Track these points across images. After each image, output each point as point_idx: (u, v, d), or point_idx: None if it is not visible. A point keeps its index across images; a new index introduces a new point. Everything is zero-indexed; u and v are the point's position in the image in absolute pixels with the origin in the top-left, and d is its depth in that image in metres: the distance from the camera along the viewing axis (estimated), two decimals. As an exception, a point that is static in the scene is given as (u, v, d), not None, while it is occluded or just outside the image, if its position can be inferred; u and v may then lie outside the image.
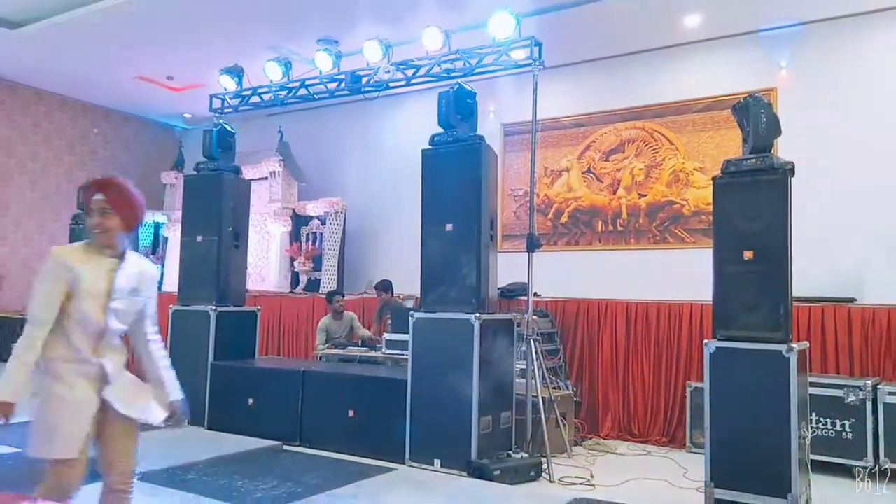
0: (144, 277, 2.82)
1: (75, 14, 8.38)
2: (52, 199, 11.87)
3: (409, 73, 6.41)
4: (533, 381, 5.39)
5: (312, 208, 10.47)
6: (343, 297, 7.97)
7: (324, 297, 8.30)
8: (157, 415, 2.78)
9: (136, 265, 2.79)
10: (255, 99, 7.27)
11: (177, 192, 11.51)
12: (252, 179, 9.32)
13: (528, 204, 6.18)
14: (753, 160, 4.19)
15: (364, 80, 6.62)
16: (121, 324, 2.73)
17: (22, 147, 11.54)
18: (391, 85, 6.56)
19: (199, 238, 6.84)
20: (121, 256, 2.74)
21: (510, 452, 5.20)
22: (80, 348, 2.62)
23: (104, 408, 2.67)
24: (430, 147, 5.57)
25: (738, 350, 4.13)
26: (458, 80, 5.77)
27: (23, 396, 2.53)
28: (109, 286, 2.66)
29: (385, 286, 7.98)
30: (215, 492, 4.40)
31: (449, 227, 5.35)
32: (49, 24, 8.68)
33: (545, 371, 5.76)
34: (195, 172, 7.14)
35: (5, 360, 2.59)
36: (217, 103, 7.43)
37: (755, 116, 4.22)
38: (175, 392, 2.85)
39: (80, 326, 2.62)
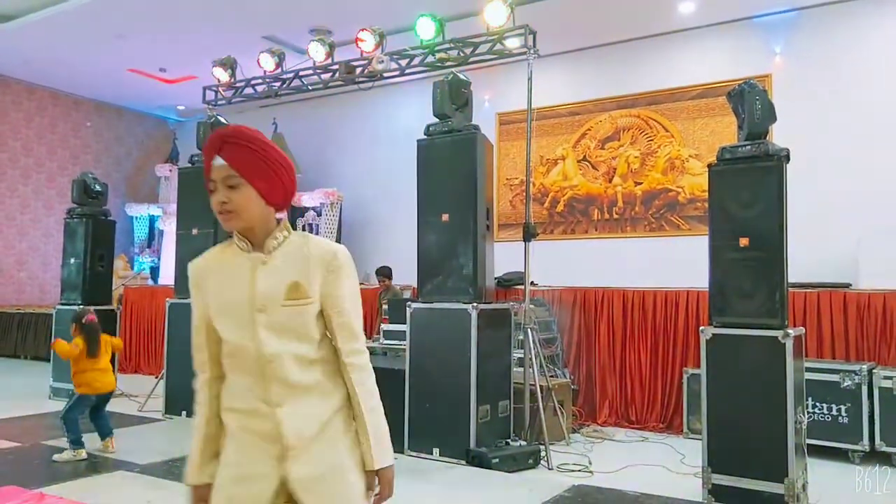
0: (310, 265, 1.71)
1: (66, 6, 8.32)
2: (45, 193, 11.83)
3: (404, 62, 6.38)
4: (531, 369, 5.41)
5: (308, 199, 10.46)
6: None
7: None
8: None
9: (292, 252, 1.73)
10: (249, 90, 7.24)
11: (171, 185, 11.49)
12: (247, 171, 9.28)
13: (524, 193, 6.17)
14: (749, 147, 4.18)
15: (358, 70, 6.59)
16: (288, 344, 1.69)
17: (14, 142, 11.48)
18: (385, 75, 6.54)
19: (195, 231, 6.81)
20: (266, 246, 1.73)
21: (509, 440, 5.22)
22: (242, 392, 1.70)
23: (285, 492, 1.67)
24: (426, 137, 5.55)
25: (734, 336, 4.13)
26: (453, 70, 5.74)
27: (207, 473, 1.75)
28: (251, 292, 1.69)
29: (386, 272, 8.03)
30: (215, 483, 4.41)
31: (445, 217, 5.34)
32: (39, 17, 8.63)
33: (543, 359, 5.78)
34: (190, 165, 7.11)
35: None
36: (210, 95, 7.40)
37: (750, 103, 4.21)
38: (380, 453, 1.75)
39: (232, 360, 1.73)
